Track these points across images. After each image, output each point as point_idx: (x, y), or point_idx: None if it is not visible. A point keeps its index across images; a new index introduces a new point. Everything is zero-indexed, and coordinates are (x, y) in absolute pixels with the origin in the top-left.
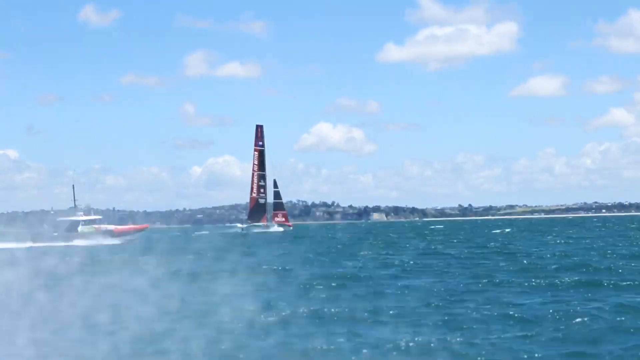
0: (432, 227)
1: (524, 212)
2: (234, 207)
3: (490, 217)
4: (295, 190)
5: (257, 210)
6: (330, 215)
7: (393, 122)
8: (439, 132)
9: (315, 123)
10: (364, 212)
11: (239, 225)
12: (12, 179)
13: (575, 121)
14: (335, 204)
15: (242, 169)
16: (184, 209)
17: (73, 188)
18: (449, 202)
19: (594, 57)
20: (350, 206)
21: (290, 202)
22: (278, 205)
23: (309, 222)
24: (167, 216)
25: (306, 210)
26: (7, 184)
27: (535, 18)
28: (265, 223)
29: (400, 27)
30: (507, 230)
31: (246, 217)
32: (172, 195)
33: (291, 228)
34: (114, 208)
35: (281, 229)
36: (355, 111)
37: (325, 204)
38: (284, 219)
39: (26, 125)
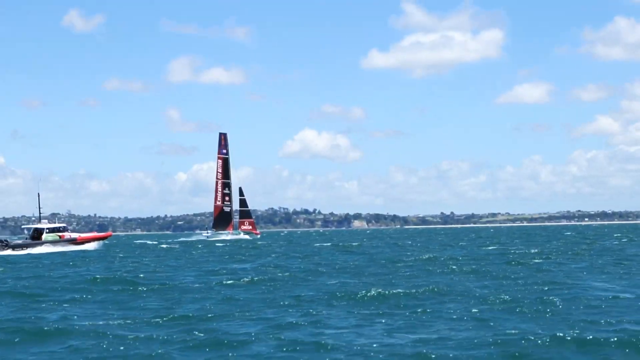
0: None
1: (506, 220)
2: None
3: (472, 225)
4: (280, 197)
5: (222, 218)
6: (311, 222)
7: (378, 129)
8: (424, 139)
9: (300, 129)
10: (345, 219)
11: (204, 232)
12: None
13: (561, 129)
14: (316, 211)
15: None
16: (165, 216)
17: (38, 196)
18: (433, 210)
19: (580, 65)
20: (332, 213)
21: (272, 209)
22: (244, 213)
23: (290, 229)
24: (147, 223)
25: (287, 217)
26: None
27: (521, 25)
28: (231, 231)
29: (385, 33)
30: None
31: (211, 226)
32: (157, 201)
33: (259, 236)
34: (95, 214)
35: (247, 236)
36: (340, 118)
37: (306, 211)
38: (250, 227)
39: (10, 130)
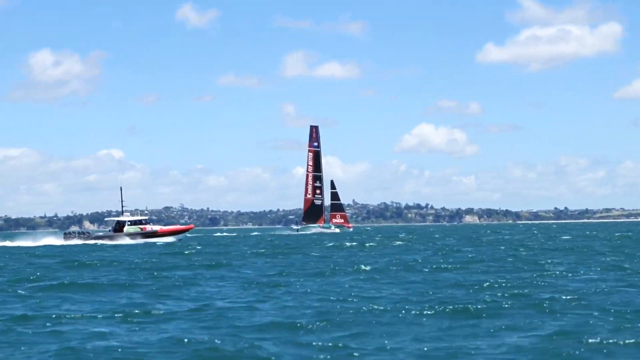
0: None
1: (620, 216)
2: (325, 208)
3: (585, 221)
4: (396, 192)
5: (312, 211)
6: (423, 217)
7: (494, 123)
8: (542, 134)
9: (415, 125)
10: (457, 214)
11: (294, 226)
12: (117, 178)
13: None
14: (428, 206)
15: (344, 170)
16: (278, 210)
17: (121, 190)
18: (549, 205)
19: None
20: (443, 208)
21: (384, 203)
22: (336, 207)
23: (402, 224)
24: (260, 217)
25: (399, 212)
26: (112, 184)
27: (639, 18)
28: (321, 224)
29: (501, 27)
30: None
31: (301, 219)
32: (274, 196)
33: (351, 229)
34: (208, 208)
35: (337, 230)
36: (456, 112)
37: (418, 206)
38: (342, 220)
39: (128, 125)
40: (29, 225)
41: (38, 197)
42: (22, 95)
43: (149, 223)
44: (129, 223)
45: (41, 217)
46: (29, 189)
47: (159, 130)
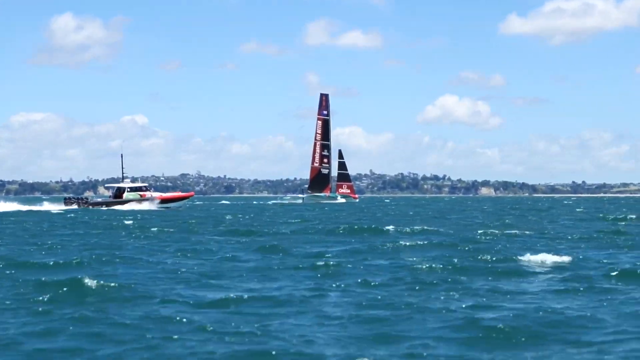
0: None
1: (637, 191)
2: (332, 178)
3: (601, 195)
4: (420, 164)
5: (319, 180)
6: (439, 188)
7: (518, 96)
8: (566, 107)
9: (439, 95)
10: (472, 186)
11: (300, 195)
12: (139, 144)
13: None
14: (445, 177)
15: (367, 140)
16: (295, 178)
17: (121, 157)
18: (571, 179)
19: None
20: (459, 180)
21: (401, 174)
22: (343, 176)
23: (418, 195)
24: (276, 185)
25: (414, 183)
26: (135, 149)
27: None
28: (327, 194)
29: None
30: None
31: (307, 188)
32: (297, 164)
33: (357, 200)
34: (225, 176)
35: (343, 200)
36: (480, 84)
37: (435, 177)
38: (349, 191)
39: (151, 91)
40: (43, 190)
41: (61, 162)
42: (44, 59)
43: (149, 190)
44: (128, 190)
45: (56, 182)
46: (52, 154)
47: (183, 97)
